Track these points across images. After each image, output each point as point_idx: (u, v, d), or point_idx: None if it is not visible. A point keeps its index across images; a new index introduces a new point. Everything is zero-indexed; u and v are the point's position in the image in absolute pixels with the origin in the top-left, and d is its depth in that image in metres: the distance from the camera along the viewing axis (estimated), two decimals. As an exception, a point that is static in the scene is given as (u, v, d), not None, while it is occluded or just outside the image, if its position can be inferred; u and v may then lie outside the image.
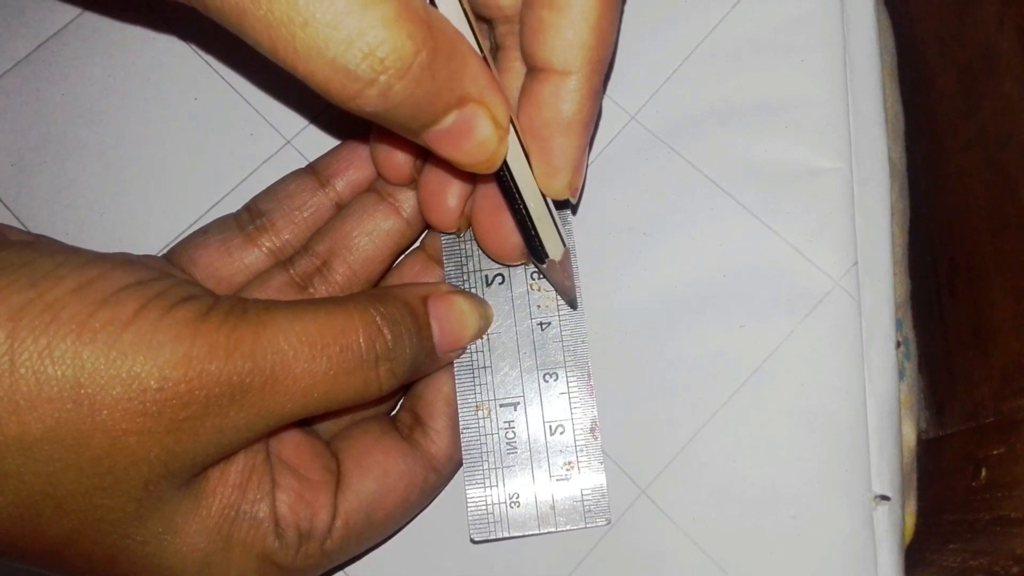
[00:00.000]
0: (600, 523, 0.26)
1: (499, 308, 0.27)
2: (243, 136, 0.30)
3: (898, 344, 0.29)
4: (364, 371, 0.23)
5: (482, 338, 0.27)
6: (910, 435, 0.29)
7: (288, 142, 0.30)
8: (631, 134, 0.30)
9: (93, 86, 0.31)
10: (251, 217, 0.28)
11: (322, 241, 0.27)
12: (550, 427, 0.27)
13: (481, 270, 0.27)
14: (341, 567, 0.27)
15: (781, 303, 0.28)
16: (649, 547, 0.27)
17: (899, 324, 0.30)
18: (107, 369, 0.19)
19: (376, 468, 0.25)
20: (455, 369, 0.27)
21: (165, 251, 0.28)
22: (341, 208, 0.28)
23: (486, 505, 0.26)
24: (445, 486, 0.27)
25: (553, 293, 0.27)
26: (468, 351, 0.27)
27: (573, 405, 0.27)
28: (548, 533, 0.26)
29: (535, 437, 0.27)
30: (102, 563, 0.21)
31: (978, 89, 0.28)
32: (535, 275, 0.28)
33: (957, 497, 0.27)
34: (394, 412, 0.28)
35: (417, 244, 0.29)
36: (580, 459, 0.27)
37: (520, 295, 0.27)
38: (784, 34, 0.30)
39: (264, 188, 0.28)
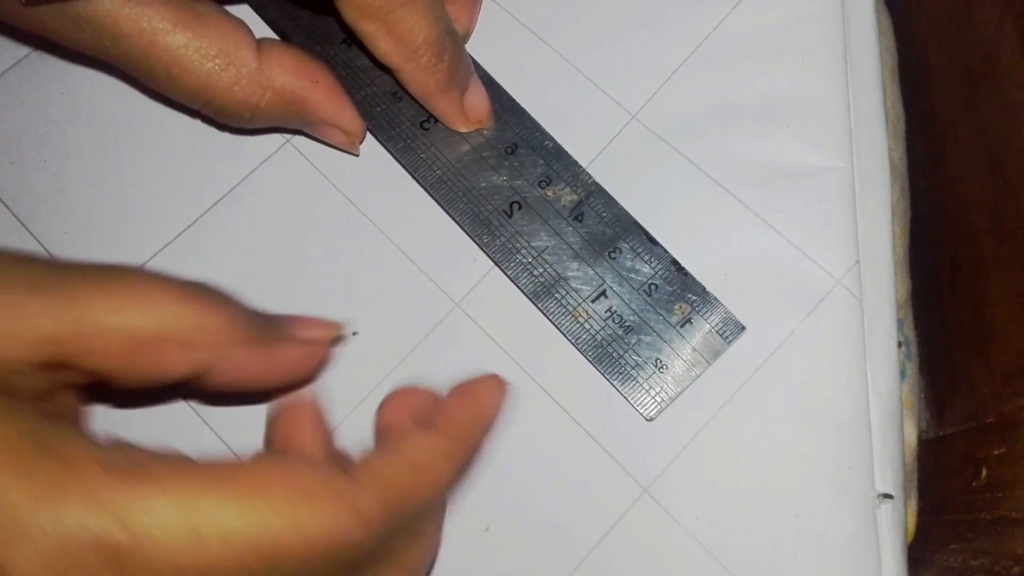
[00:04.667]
0: (739, 336, 0.27)
1: (535, 227, 0.28)
2: (243, 135, 0.30)
3: (899, 344, 0.29)
4: None
5: (540, 257, 0.27)
6: (911, 435, 0.29)
7: (288, 141, 0.30)
8: (632, 133, 0.30)
9: (93, 85, 0.31)
10: None
11: None
12: (644, 290, 0.27)
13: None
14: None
15: (783, 301, 0.28)
16: (651, 546, 0.27)
17: (900, 325, 0.30)
18: None
19: None
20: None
21: (167, 250, 0.28)
22: None
23: (640, 387, 0.27)
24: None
25: (570, 188, 0.28)
26: (530, 272, 0.27)
27: (650, 261, 0.27)
28: (699, 378, 0.27)
29: (638, 305, 0.27)
30: None
31: (978, 89, 0.28)
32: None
33: (957, 497, 0.27)
34: None
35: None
36: (687, 297, 0.27)
37: (544, 208, 0.28)
38: (785, 34, 0.30)
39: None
